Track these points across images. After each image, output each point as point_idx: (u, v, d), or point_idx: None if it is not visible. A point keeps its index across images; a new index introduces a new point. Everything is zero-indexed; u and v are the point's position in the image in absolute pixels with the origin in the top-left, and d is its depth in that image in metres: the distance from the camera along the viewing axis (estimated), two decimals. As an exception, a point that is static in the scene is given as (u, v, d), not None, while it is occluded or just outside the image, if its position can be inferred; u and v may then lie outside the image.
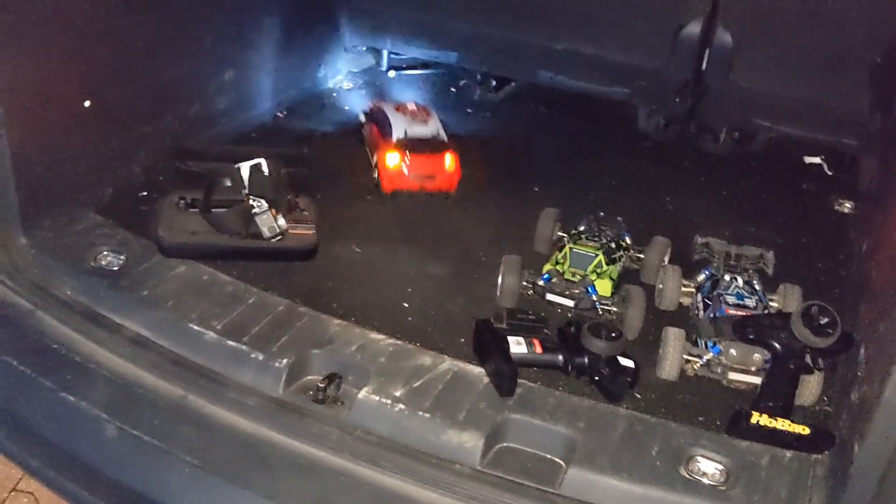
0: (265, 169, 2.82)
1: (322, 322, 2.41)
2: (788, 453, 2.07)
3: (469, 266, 2.80)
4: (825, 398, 2.30)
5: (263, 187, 2.75)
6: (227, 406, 2.20)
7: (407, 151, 3.13)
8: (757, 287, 2.55)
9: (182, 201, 2.76)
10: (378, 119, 3.35)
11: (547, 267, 2.63)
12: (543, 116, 3.97)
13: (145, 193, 2.99)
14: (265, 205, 2.68)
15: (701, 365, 2.32)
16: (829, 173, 3.63)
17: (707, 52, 3.50)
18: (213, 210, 2.69)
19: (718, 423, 2.21)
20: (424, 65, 4.21)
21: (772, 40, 3.36)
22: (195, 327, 2.35)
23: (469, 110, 3.94)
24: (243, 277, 2.58)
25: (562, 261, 2.62)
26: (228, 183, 2.81)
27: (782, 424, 2.07)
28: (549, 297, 2.54)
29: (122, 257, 2.59)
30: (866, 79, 3.16)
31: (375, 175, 3.21)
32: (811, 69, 3.34)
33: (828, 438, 2.06)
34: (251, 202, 2.69)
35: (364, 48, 4.21)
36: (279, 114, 3.73)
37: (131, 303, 2.45)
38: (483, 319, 2.36)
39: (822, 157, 3.65)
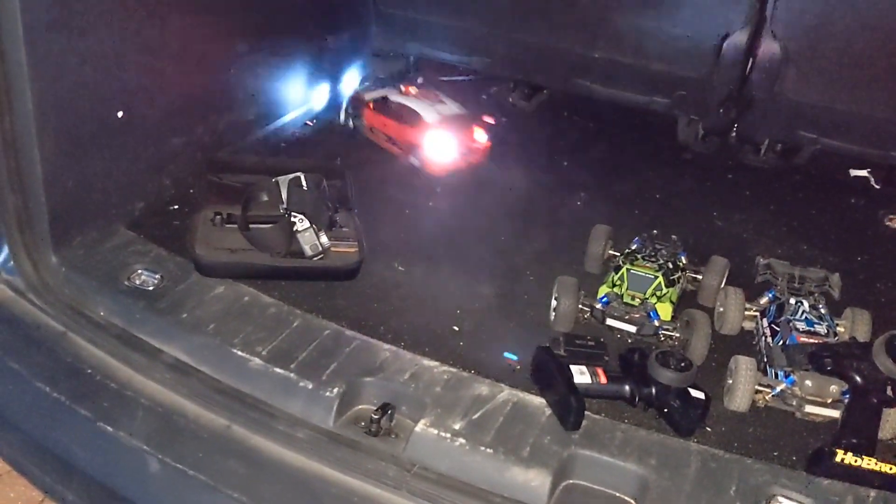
0: (304, 183, 2.71)
1: (371, 348, 2.29)
2: (873, 492, 1.96)
3: (518, 286, 2.69)
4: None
5: (304, 202, 2.63)
6: (275, 438, 2.09)
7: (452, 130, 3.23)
8: (823, 311, 2.44)
9: (218, 217, 2.64)
10: (393, 109, 3.35)
11: (603, 289, 2.51)
12: (579, 127, 3.85)
13: (177, 207, 2.88)
14: (307, 221, 2.57)
15: (773, 396, 2.21)
16: (877, 187, 3.52)
17: (753, 62, 3.39)
18: (253, 226, 2.57)
19: (794, 458, 2.09)
20: (457, 71, 4.09)
21: (823, 51, 3.24)
22: (239, 353, 2.23)
23: (504, 119, 3.82)
24: (285, 298, 2.46)
25: (618, 283, 2.51)
26: (266, 198, 2.70)
27: (868, 463, 1.95)
28: (609, 321, 2.43)
29: (157, 276, 2.47)
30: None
31: (415, 161, 3.25)
32: (864, 81, 3.23)
33: (918, 477, 1.95)
34: (292, 218, 2.57)
35: (392, 53, 4.08)
36: (309, 122, 3.60)
37: (170, 326, 2.33)
38: (543, 346, 2.24)
39: (869, 170, 3.53)
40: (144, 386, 2.22)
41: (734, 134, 3.63)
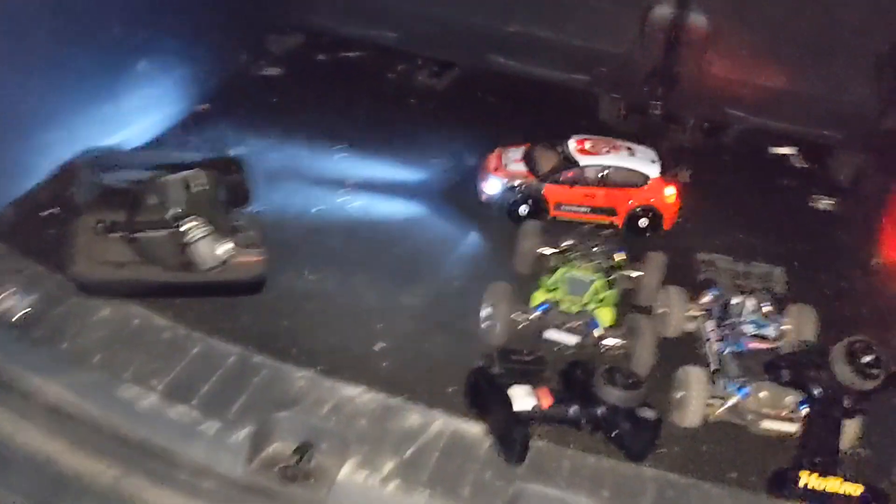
0: (199, 181, 2.39)
1: (284, 375, 2.04)
2: (840, 517, 1.83)
3: (443, 294, 2.45)
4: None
5: (199, 205, 2.32)
6: (175, 490, 1.81)
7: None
8: (769, 310, 2.29)
9: (100, 224, 2.30)
10: (592, 176, 2.75)
11: (539, 295, 2.29)
12: (493, 107, 3.59)
13: (53, 211, 2.52)
14: (203, 227, 2.25)
15: (726, 409, 2.05)
16: (800, 166, 3.41)
17: (678, 36, 3.22)
18: (141, 235, 2.25)
19: (753, 479, 1.95)
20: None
21: (753, 26, 3.10)
22: (131, 389, 1.94)
23: (412, 100, 3.54)
24: (181, 318, 2.18)
25: (553, 288, 2.30)
26: (155, 200, 2.36)
27: (832, 485, 1.82)
28: (549, 333, 2.22)
29: (31, 297, 2.14)
30: (861, 70, 2.95)
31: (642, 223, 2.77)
32: (796, 58, 3.11)
33: (881, 499, 1.83)
34: (186, 224, 2.25)
35: (289, 28, 3.74)
36: (200, 108, 3.24)
37: (48, 359, 2.04)
38: (477, 368, 2.03)
39: (796, 148, 3.42)
40: (19, 435, 1.90)
41: (659, 112, 3.46)
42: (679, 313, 2.32)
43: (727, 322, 2.25)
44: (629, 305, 2.44)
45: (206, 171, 2.45)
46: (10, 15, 2.33)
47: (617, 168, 2.76)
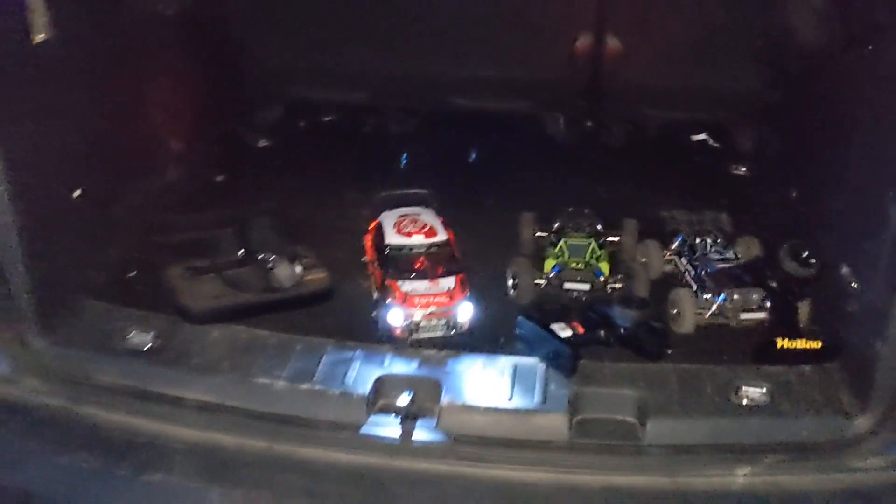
0: (259, 224, 2.94)
1: (376, 351, 2.56)
2: (808, 368, 2.47)
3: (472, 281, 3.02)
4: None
5: (267, 242, 2.86)
6: (317, 444, 2.30)
7: None
8: (723, 242, 2.97)
9: (188, 271, 2.81)
10: None
11: (550, 262, 2.91)
12: (456, 142, 4.24)
13: (134, 274, 3.00)
14: (277, 257, 2.80)
15: (711, 314, 2.69)
16: (715, 145, 4.16)
17: (599, 58, 3.95)
18: (231, 270, 2.77)
19: (741, 357, 2.57)
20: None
21: (655, 40, 3.85)
22: (262, 380, 2.44)
23: (391, 144, 4.17)
24: (276, 329, 2.67)
25: (560, 254, 2.92)
26: (229, 243, 2.90)
27: (801, 343, 2.46)
28: (567, 285, 2.83)
29: (149, 334, 2.61)
30: (745, 61, 3.72)
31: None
32: (694, 59, 3.86)
33: (835, 349, 2.47)
34: (263, 256, 2.80)
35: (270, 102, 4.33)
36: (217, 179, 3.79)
37: (184, 373, 2.49)
38: (524, 314, 2.60)
39: (706, 133, 4.17)
40: (176, 432, 2.35)
41: (592, 121, 4.18)
42: (657, 259, 2.97)
43: (696, 256, 2.91)
44: (618, 260, 3.06)
45: (256, 217, 3.03)
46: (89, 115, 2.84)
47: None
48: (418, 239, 2.82)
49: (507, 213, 3.33)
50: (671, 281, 2.95)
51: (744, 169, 3.88)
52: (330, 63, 4.14)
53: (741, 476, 2.20)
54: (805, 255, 2.56)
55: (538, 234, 3.14)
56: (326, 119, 4.34)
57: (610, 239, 3.10)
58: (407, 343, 2.63)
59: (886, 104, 2.36)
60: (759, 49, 3.68)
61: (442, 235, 2.85)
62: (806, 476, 2.22)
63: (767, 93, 3.75)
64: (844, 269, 2.49)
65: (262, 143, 4.15)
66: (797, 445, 2.28)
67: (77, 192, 2.73)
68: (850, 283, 2.45)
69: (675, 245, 3.03)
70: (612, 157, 4.05)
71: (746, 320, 2.67)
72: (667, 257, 2.99)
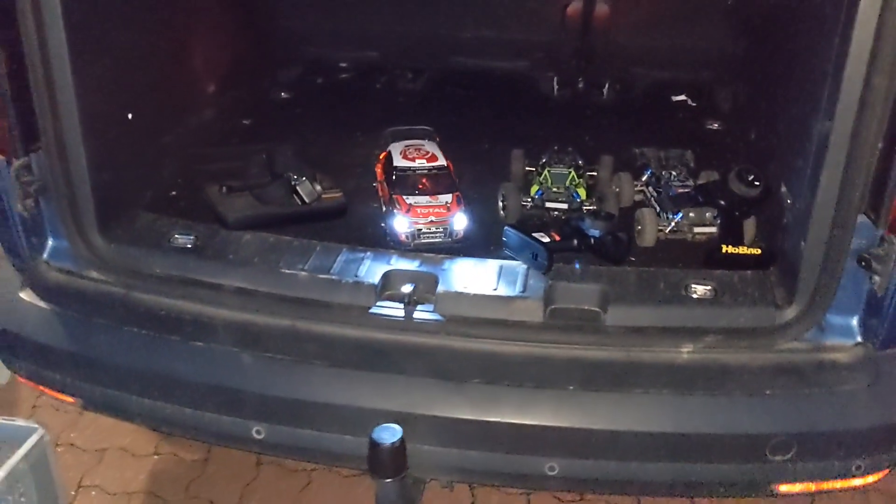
0: (284, 152, 3.42)
1: (382, 254, 3.01)
2: (749, 272, 2.92)
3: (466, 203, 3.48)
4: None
5: (290, 164, 3.34)
6: (332, 321, 2.77)
7: None
8: (686, 175, 3.42)
9: (224, 188, 3.28)
10: None
11: (535, 188, 3.37)
12: (462, 97, 4.70)
13: (174, 193, 3.48)
14: (299, 177, 3.26)
15: (670, 230, 3.14)
16: (693, 104, 4.60)
17: (590, 21, 4.40)
18: (260, 188, 3.24)
19: (693, 264, 3.01)
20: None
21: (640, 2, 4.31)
22: (288, 271, 2.90)
23: (400, 99, 4.63)
24: (298, 237, 3.13)
25: (544, 181, 3.38)
26: (260, 165, 3.38)
27: (742, 250, 2.92)
28: (548, 204, 3.29)
29: (192, 237, 3.05)
30: (720, 21, 4.16)
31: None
32: (673, 20, 4.31)
33: (772, 256, 2.92)
34: (288, 175, 3.27)
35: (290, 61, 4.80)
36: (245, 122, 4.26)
37: (223, 265, 2.93)
38: (510, 224, 3.05)
39: (685, 93, 4.61)
40: (216, 312, 2.83)
41: (582, 81, 4.63)
42: (629, 189, 3.42)
43: (660, 184, 3.36)
44: (595, 189, 3.50)
45: (283, 147, 3.51)
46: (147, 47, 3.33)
47: None
48: (421, 163, 3.31)
49: (500, 152, 3.77)
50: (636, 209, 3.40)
51: (716, 125, 4.30)
52: (345, 26, 4.63)
53: (685, 352, 2.67)
54: (751, 177, 2.99)
55: (527, 168, 3.59)
56: (342, 76, 4.79)
57: (589, 173, 3.55)
58: (410, 247, 3.09)
59: (814, 28, 2.68)
60: (731, 11, 4.12)
61: (442, 161, 3.34)
62: (740, 354, 2.68)
63: (736, 47, 4.15)
64: (783, 188, 2.91)
65: (284, 95, 4.59)
66: (734, 330, 2.70)
67: (129, 115, 3.18)
68: (787, 199, 2.88)
69: (644, 177, 3.47)
70: (599, 113, 4.49)
71: (699, 234, 3.13)
72: (637, 188, 3.44)
